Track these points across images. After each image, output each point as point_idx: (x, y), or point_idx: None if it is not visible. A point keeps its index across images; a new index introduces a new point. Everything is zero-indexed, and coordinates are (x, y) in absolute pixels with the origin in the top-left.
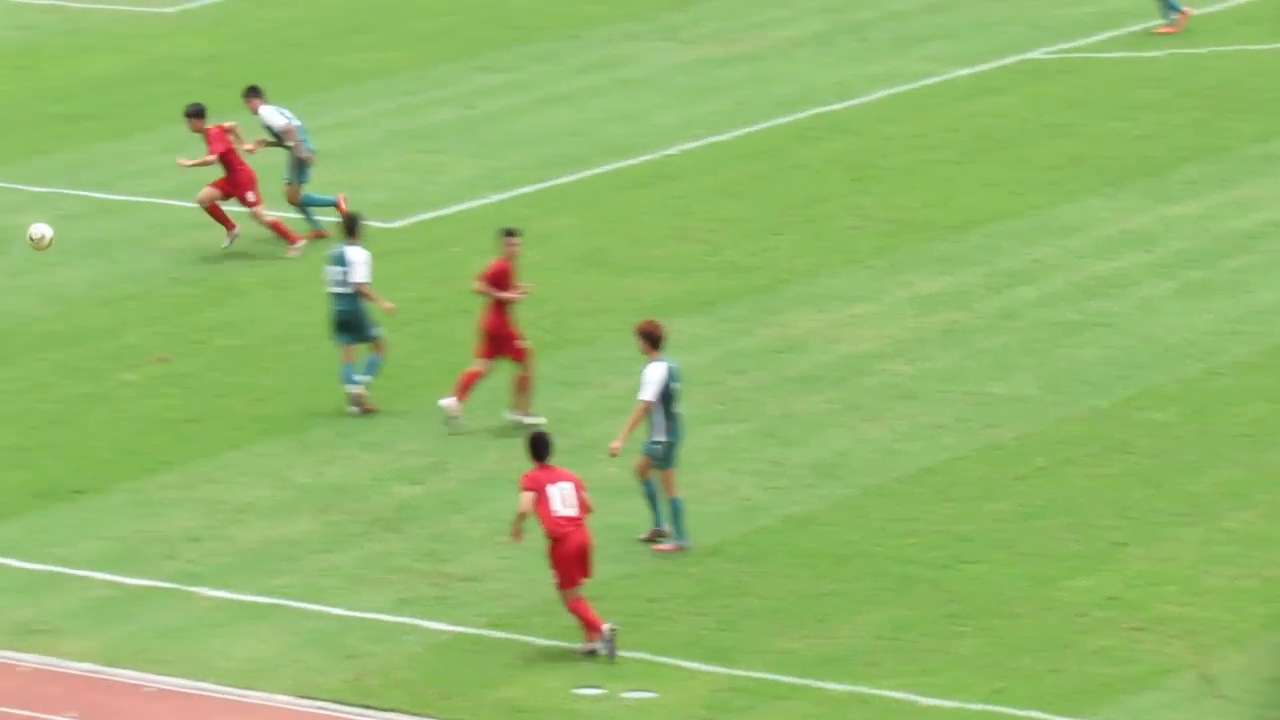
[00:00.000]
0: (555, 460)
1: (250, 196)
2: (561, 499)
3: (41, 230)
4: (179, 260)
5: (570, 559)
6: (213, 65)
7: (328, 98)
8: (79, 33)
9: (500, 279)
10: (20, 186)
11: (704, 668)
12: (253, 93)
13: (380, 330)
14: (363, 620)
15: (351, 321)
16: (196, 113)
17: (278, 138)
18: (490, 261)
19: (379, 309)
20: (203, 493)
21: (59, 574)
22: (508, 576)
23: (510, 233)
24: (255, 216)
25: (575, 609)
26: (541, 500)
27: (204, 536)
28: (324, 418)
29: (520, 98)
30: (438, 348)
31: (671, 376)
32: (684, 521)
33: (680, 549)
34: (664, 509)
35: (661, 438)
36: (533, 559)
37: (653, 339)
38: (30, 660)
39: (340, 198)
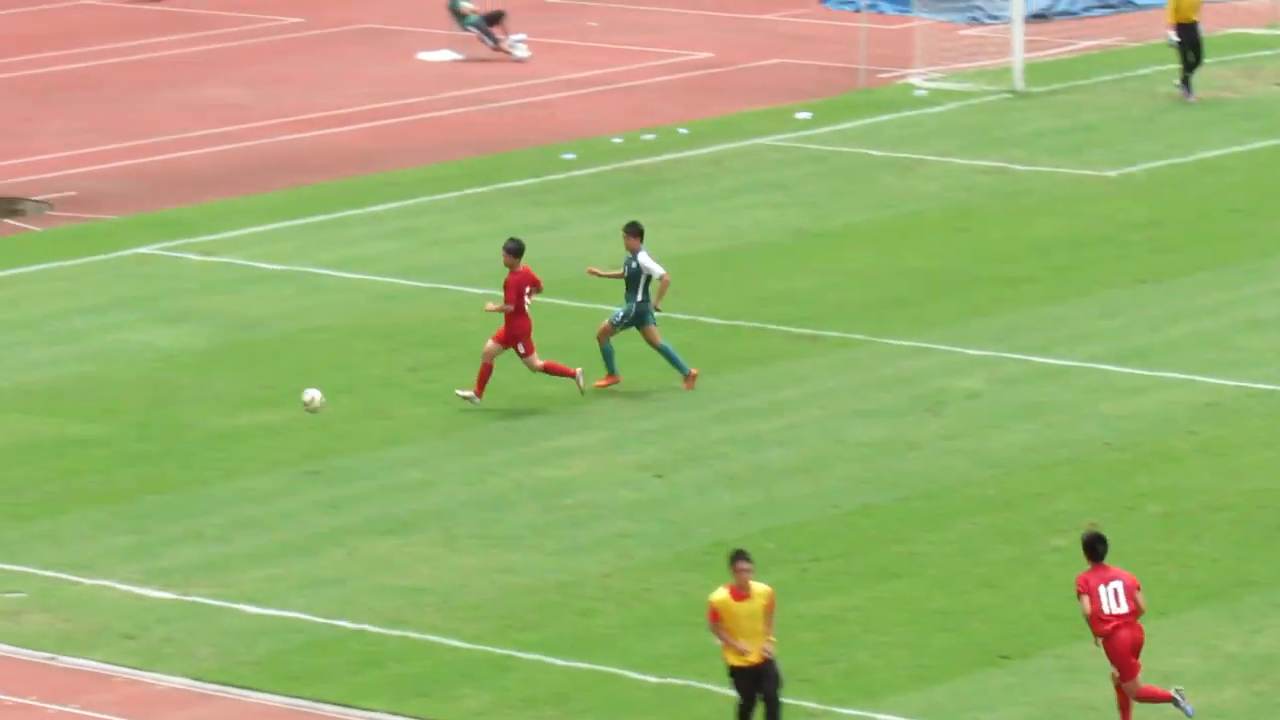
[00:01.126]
0: None
1: (521, 348)
2: (1114, 598)
3: (311, 396)
4: (1113, 425)
5: (1124, 653)
6: (1152, 230)
7: (1269, 265)
8: (1019, 195)
9: None
10: (957, 349)
11: None
12: (633, 231)
13: None
14: None
15: None
16: (513, 250)
17: (634, 278)
18: None
19: None
20: None
21: None
22: None
23: None
24: (528, 366)
25: (1143, 695)
26: (1094, 601)
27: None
28: (1257, 586)
29: None
30: None
31: None
32: None
33: None
34: None
35: None
36: None
37: None
38: None
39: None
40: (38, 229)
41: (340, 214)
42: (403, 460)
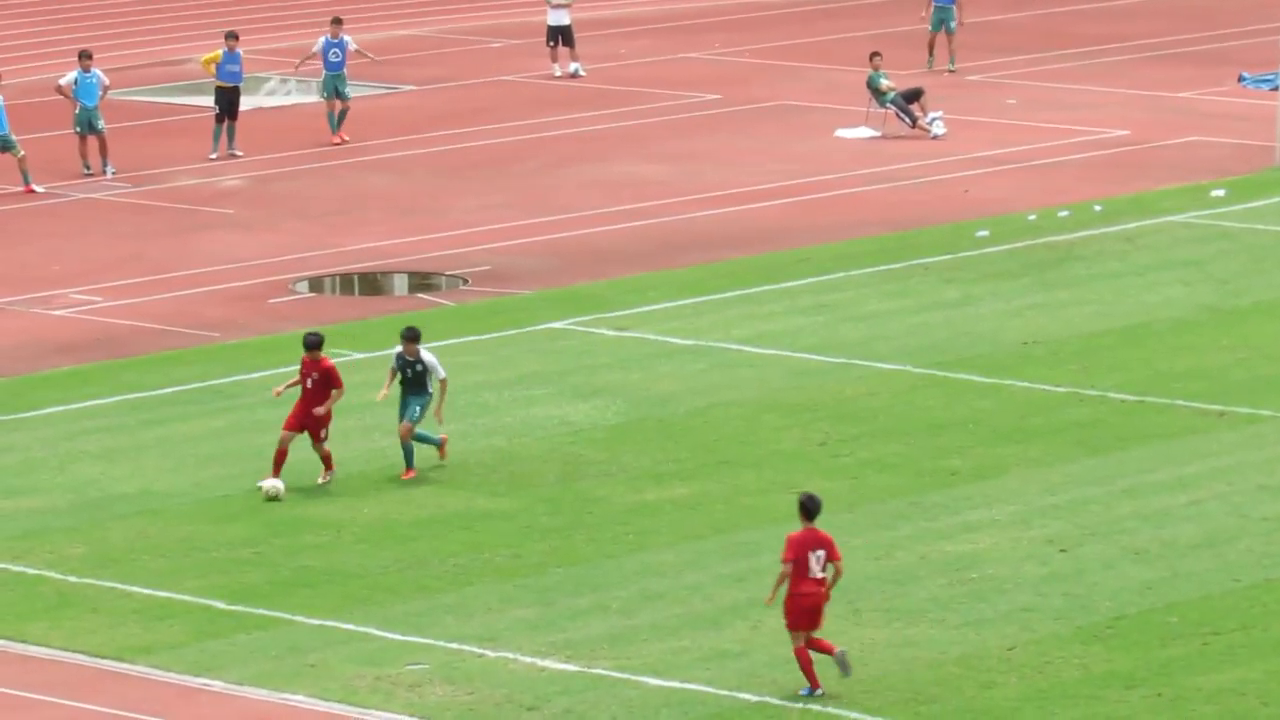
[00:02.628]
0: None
1: (324, 433)
2: (818, 563)
3: (270, 486)
4: None
5: (799, 611)
6: None
7: None
8: None
9: None
10: None
11: None
12: (411, 337)
13: None
14: None
15: None
16: (314, 344)
17: (421, 379)
18: None
19: None
20: None
21: None
22: None
23: None
24: (320, 451)
25: (799, 655)
26: (800, 564)
27: None
28: None
29: None
30: None
31: None
32: None
33: None
34: None
35: None
36: None
37: None
38: None
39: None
40: (450, 303)
41: (754, 289)
42: None
